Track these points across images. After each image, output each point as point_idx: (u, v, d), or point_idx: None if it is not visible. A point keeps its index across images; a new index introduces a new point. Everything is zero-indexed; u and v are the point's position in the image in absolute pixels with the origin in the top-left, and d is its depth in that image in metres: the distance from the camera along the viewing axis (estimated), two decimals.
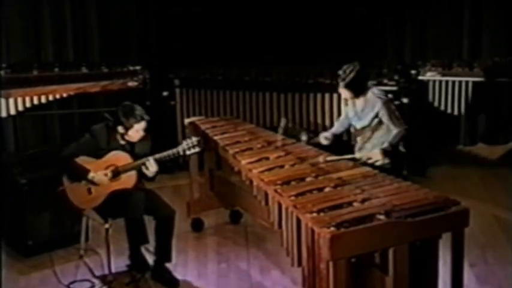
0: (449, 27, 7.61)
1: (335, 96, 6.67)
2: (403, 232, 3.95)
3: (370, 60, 7.22)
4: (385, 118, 5.00)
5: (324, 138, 5.29)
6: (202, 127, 5.87)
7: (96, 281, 5.20)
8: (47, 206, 5.51)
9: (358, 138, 5.21)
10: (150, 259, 5.25)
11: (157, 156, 5.07)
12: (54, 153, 5.49)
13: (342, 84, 5.07)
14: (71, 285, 5.18)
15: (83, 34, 7.37)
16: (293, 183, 4.57)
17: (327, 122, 6.73)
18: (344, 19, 7.47)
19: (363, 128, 5.14)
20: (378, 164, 4.92)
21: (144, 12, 7.57)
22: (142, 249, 5.26)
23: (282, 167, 4.88)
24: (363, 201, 4.20)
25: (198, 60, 7.30)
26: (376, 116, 5.02)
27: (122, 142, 5.14)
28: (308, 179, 4.61)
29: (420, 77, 6.69)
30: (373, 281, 4.07)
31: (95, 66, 6.86)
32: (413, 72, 6.71)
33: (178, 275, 5.22)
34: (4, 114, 6.53)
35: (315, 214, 4.06)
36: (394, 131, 4.99)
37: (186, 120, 6.15)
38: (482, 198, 6.37)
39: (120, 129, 5.07)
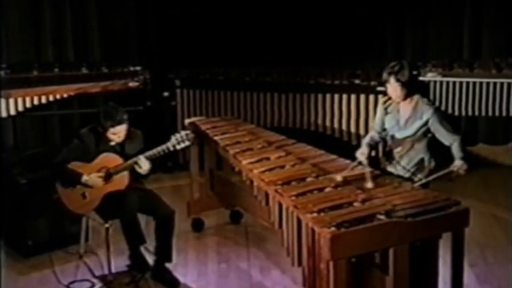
0: (450, 27, 7.60)
1: (335, 96, 6.67)
2: (403, 232, 3.96)
3: (370, 60, 7.23)
4: (437, 125, 4.68)
5: (361, 154, 4.78)
6: (203, 127, 5.87)
7: (96, 281, 5.20)
8: (46, 206, 5.49)
9: (396, 150, 4.85)
10: (150, 259, 5.25)
11: (147, 154, 5.06)
12: (53, 153, 5.49)
13: (393, 79, 4.65)
14: (71, 285, 5.18)
15: (83, 34, 7.36)
16: (293, 183, 4.57)
17: (327, 123, 6.72)
18: (344, 19, 7.46)
19: (404, 138, 4.81)
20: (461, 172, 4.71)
21: (144, 12, 7.57)
22: (142, 249, 5.26)
23: (282, 167, 4.89)
24: (363, 201, 4.20)
25: (198, 60, 7.30)
26: (425, 124, 4.71)
27: (112, 143, 5.12)
28: (308, 179, 4.61)
29: (421, 78, 6.68)
30: (373, 281, 4.08)
31: (95, 66, 6.84)
32: (413, 72, 6.69)
33: (179, 275, 5.22)
34: (4, 114, 6.53)
35: (315, 214, 4.07)
36: (453, 138, 4.69)
37: (187, 121, 6.14)
38: (482, 198, 6.37)
39: (99, 128, 5.06)
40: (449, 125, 4.75)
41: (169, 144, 5.11)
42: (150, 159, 5.04)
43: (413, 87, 4.76)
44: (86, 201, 5.10)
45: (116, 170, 5.06)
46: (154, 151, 5.08)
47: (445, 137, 4.72)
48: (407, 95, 4.74)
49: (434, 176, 4.69)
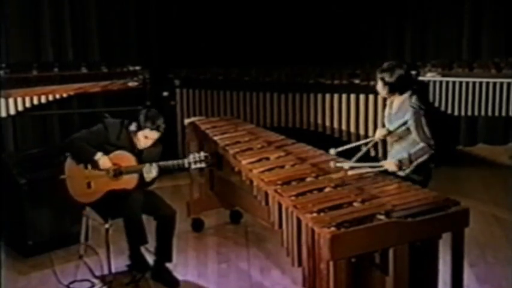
0: (449, 27, 7.61)
1: (335, 96, 6.67)
2: (403, 232, 3.96)
3: (370, 60, 7.23)
4: (412, 128, 4.77)
5: (379, 131, 5.08)
6: (203, 127, 5.87)
7: (96, 281, 5.20)
8: (46, 206, 5.50)
9: (388, 139, 5.01)
10: (150, 259, 5.25)
11: (161, 163, 5.08)
12: (54, 153, 5.50)
13: (378, 76, 4.87)
14: (71, 285, 5.18)
15: (83, 34, 7.35)
16: (293, 183, 4.57)
17: (327, 123, 6.72)
18: (344, 19, 7.46)
19: (392, 131, 4.93)
20: (399, 174, 4.72)
21: (144, 12, 7.57)
22: (142, 249, 5.26)
23: (282, 167, 4.89)
24: (363, 201, 4.20)
25: (198, 60, 7.30)
26: (404, 124, 4.81)
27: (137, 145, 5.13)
28: (308, 179, 4.61)
29: (420, 78, 6.68)
30: (373, 281, 4.07)
31: (95, 66, 6.84)
32: (413, 72, 6.70)
33: (179, 275, 5.22)
34: (4, 114, 6.52)
35: (315, 214, 4.07)
36: (420, 144, 4.74)
37: (186, 121, 6.15)
38: (482, 198, 6.37)
39: (133, 126, 5.07)
40: (425, 133, 4.75)
41: (185, 161, 5.18)
42: (161, 169, 5.06)
43: (397, 89, 4.85)
44: (89, 191, 5.09)
45: (126, 169, 5.07)
46: (169, 163, 5.12)
47: (417, 139, 4.78)
48: (392, 94, 4.89)
49: (361, 165, 4.76)
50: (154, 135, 5.06)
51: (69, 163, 5.09)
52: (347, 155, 4.95)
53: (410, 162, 4.73)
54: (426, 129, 4.77)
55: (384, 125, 5.09)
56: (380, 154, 6.02)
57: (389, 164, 4.75)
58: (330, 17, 7.46)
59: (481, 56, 7.42)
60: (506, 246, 5.56)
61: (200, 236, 5.92)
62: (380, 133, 5.06)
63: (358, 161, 4.83)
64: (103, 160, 5.02)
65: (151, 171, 5.05)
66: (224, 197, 6.00)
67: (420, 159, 4.73)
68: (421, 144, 4.74)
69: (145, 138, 5.06)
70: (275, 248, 5.38)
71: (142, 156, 5.12)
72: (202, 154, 5.23)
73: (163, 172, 5.12)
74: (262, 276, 5.26)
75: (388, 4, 7.55)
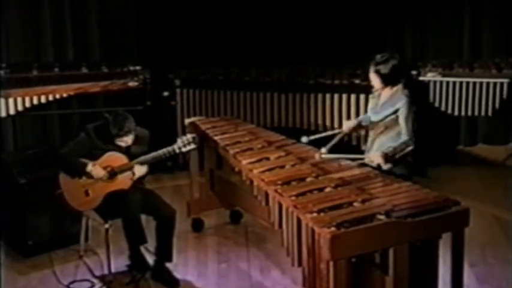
0: (450, 27, 7.61)
1: (335, 96, 6.67)
2: (403, 232, 3.96)
3: (370, 60, 7.22)
4: (402, 117, 4.78)
5: (346, 125, 5.15)
6: (203, 127, 5.87)
7: (96, 281, 5.20)
8: (46, 206, 5.50)
9: (371, 132, 5.03)
10: (150, 259, 5.26)
11: (153, 154, 5.08)
12: (53, 153, 5.49)
13: (373, 69, 4.88)
14: (71, 285, 5.18)
15: (83, 34, 7.35)
16: (293, 183, 4.57)
17: (327, 123, 6.73)
18: (344, 19, 7.46)
19: (377, 122, 4.94)
20: (384, 168, 4.75)
21: (144, 12, 7.57)
22: (142, 249, 5.26)
23: (282, 167, 4.89)
24: (363, 201, 4.20)
25: (198, 60, 7.30)
26: (395, 112, 4.81)
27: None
28: (308, 179, 4.61)
29: (421, 78, 6.69)
30: (373, 281, 4.07)
31: (95, 66, 6.85)
32: (413, 72, 6.70)
33: (179, 275, 5.22)
34: (4, 114, 6.53)
35: (315, 214, 4.07)
36: (403, 137, 4.77)
37: (187, 121, 6.14)
38: (482, 198, 6.36)
39: (108, 131, 5.08)
40: (413, 126, 4.79)
41: (175, 147, 5.16)
42: (154, 160, 5.06)
43: (392, 80, 4.87)
44: (89, 199, 5.10)
45: (120, 169, 5.07)
46: (160, 152, 5.11)
47: (402, 130, 4.81)
48: (387, 85, 4.90)
49: (346, 156, 4.85)
50: (127, 139, 5.06)
51: (63, 177, 5.10)
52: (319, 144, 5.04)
53: (394, 155, 4.74)
54: (413, 123, 4.81)
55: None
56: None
57: (375, 156, 4.75)
58: (330, 17, 7.46)
59: (482, 56, 7.42)
60: (506, 246, 5.57)
61: (200, 236, 5.92)
62: (347, 125, 5.12)
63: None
64: (95, 170, 5.02)
65: (138, 171, 5.07)
66: (224, 197, 6.00)
67: (402, 153, 4.75)
68: (404, 138, 4.78)
69: (121, 142, 5.07)
70: (275, 248, 5.38)
71: (131, 152, 5.12)
72: (189, 136, 5.22)
73: (156, 163, 5.12)
74: (262, 276, 5.26)
75: (388, 4, 7.55)
